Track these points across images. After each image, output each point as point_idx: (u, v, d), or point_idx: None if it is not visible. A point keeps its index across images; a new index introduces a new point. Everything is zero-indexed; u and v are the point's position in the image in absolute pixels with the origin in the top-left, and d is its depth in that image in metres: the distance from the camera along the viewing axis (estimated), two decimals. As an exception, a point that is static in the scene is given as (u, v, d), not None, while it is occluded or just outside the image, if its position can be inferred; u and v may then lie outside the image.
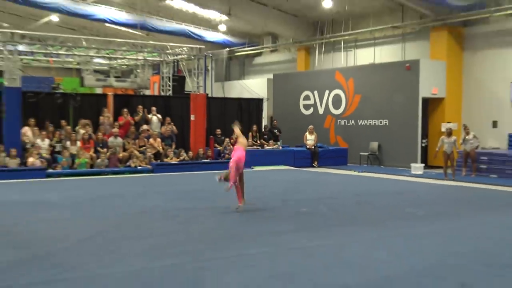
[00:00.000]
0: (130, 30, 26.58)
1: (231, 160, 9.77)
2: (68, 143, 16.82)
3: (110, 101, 19.29)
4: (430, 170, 17.61)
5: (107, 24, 25.97)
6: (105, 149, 17.05)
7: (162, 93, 21.84)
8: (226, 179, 9.61)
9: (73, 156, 16.49)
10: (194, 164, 18.10)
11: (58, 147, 16.73)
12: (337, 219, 9.41)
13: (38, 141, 16.49)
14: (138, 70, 23.79)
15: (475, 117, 18.68)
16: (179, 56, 21.03)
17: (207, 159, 18.76)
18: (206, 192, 12.72)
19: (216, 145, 19.50)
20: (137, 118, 18.75)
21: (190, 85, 21.09)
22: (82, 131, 17.11)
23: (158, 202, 11.16)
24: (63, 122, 17.45)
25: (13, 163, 15.56)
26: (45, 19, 28.09)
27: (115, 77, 24.01)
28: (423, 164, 17.88)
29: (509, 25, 17.83)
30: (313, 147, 19.80)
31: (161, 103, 20.05)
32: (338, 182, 15.36)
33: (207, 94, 20.63)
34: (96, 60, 23.69)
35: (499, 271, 6.12)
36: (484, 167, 16.49)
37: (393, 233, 8.16)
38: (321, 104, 22.11)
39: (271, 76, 25.27)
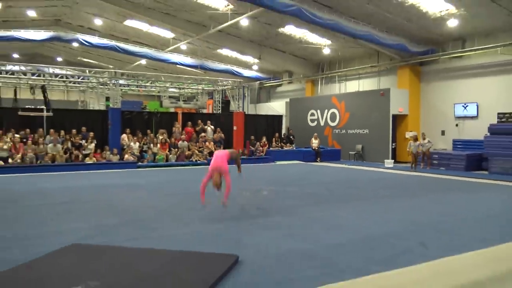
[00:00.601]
0: (193, 70, 26.81)
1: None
2: (151, 145, 17.01)
3: (180, 117, 19.47)
4: (398, 164, 17.35)
5: (178, 66, 26.25)
6: (175, 149, 17.19)
7: (215, 111, 21.95)
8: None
9: (154, 154, 16.68)
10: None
11: (144, 148, 16.93)
12: (332, 197, 9.31)
13: (131, 143, 16.70)
14: (199, 96, 23.95)
15: (429, 127, 18.35)
16: (226, 87, 21.10)
17: (244, 156, 18.76)
18: (242, 178, 12.72)
19: (250, 146, 19.50)
20: (197, 128, 18.89)
21: (233, 106, 21.12)
22: (160, 137, 17.29)
23: (211, 185, 11.19)
24: (148, 131, 17.67)
25: (115, 158, 15.80)
26: (137, 63, 28.55)
27: (183, 100, 24.16)
28: (393, 160, 17.63)
29: (452, 65, 17.57)
30: (316, 148, 19.64)
31: (213, 118, 20.13)
32: (333, 172, 15.21)
33: (245, 112, 20.62)
34: (171, 89, 23.88)
35: (444, 234, 5.98)
36: (436, 163, 16.17)
37: (371, 207, 8.03)
38: (322, 119, 21.94)
39: (288, 100, 25.19)
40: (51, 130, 15.59)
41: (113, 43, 23.06)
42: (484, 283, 3.73)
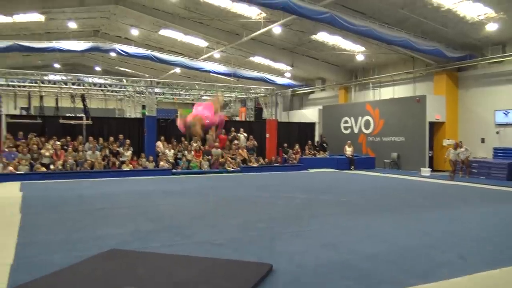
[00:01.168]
0: (226, 77, 27.07)
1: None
2: (185, 152, 17.27)
3: (213, 124, 19.69)
4: (435, 173, 16.83)
5: (211, 74, 26.58)
6: (209, 157, 17.37)
7: (247, 119, 22.06)
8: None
9: (188, 161, 16.91)
10: (268, 167, 18.13)
11: (179, 155, 17.20)
12: (366, 206, 9.13)
13: (166, 151, 17.01)
14: (232, 104, 24.15)
15: (468, 135, 17.75)
16: (259, 94, 21.21)
17: (277, 163, 18.76)
18: (276, 186, 12.73)
19: (283, 154, 19.47)
20: (230, 136, 19.04)
21: (265, 114, 21.19)
22: (194, 144, 17.53)
23: (245, 192, 11.26)
24: (183, 139, 17.94)
25: (150, 165, 16.12)
26: (171, 71, 29.10)
27: (216, 108, 24.42)
28: (430, 169, 17.14)
29: (492, 70, 16.95)
30: (350, 156, 19.38)
31: (246, 125, 20.25)
32: (368, 180, 14.96)
33: (277, 120, 20.63)
34: (204, 97, 24.20)
35: (485, 247, 5.76)
36: (475, 171, 15.64)
37: (407, 217, 7.84)
38: (356, 126, 21.65)
39: (321, 107, 25.01)
40: (90, 138, 16.10)
41: (148, 52, 23.64)
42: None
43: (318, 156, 20.16)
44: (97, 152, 15.65)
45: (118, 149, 16.25)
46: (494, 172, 15.05)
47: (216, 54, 23.92)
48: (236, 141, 18.88)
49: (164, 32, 22.48)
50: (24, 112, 20.59)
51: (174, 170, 16.18)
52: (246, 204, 9.35)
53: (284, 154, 19.47)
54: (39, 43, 20.62)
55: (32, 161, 14.62)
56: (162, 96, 23.02)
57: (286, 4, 13.49)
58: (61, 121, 16.61)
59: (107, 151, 16.03)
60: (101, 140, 16.41)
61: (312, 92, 27.79)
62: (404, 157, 18.90)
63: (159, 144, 17.18)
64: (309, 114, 25.55)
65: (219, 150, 17.77)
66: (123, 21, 22.07)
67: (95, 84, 19.50)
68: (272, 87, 21.43)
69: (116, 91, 21.25)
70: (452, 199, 10.45)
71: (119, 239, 5.93)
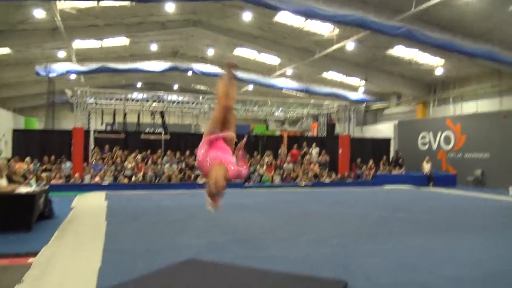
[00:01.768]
0: (298, 94, 27.17)
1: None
2: (257, 166, 17.49)
3: (285, 139, 19.79)
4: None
5: (283, 90, 26.80)
6: (281, 171, 17.44)
7: (319, 134, 21.89)
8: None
9: (260, 175, 17.09)
10: (341, 183, 17.78)
11: (251, 169, 17.44)
12: (446, 226, 8.55)
13: (239, 165, 17.33)
14: (304, 119, 24.14)
15: None
16: (331, 110, 20.99)
17: (350, 179, 18.35)
18: (350, 201, 12.43)
19: (357, 170, 19.03)
20: (302, 151, 19.00)
21: (338, 129, 20.90)
22: (266, 159, 17.71)
23: (317, 208, 11.10)
24: (255, 153, 18.21)
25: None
26: (245, 88, 29.78)
27: (289, 124, 24.55)
28: (519, 188, 15.78)
29: None
30: (428, 173, 18.42)
31: (318, 141, 20.10)
32: (447, 198, 14.07)
33: (350, 135, 20.24)
34: (276, 113, 24.46)
35: None
36: None
37: (492, 239, 7.24)
38: (434, 142, 20.61)
39: (396, 122, 24.18)
40: (168, 152, 16.90)
41: (223, 71, 24.38)
42: None
43: (393, 172, 19.42)
44: (174, 166, 16.37)
45: (193, 163, 16.88)
46: None
47: (289, 71, 24.13)
48: (308, 156, 18.79)
49: (238, 51, 23.15)
50: (109, 128, 22.13)
51: (246, 184, 16.41)
52: (318, 220, 9.21)
53: (357, 170, 19.00)
54: (124, 64, 22.17)
55: (116, 173, 15.64)
56: (236, 112, 23.54)
57: (361, 21, 13.33)
58: (142, 136, 17.65)
59: (183, 165, 16.71)
60: (178, 154, 17.16)
61: (387, 107, 26.98)
62: (490, 174, 17.62)
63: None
64: (384, 129, 24.82)
65: (290, 164, 17.78)
66: (200, 42, 23.11)
67: (173, 102, 20.47)
68: (344, 103, 21.13)
69: (192, 108, 22.14)
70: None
71: (196, 250, 6.11)
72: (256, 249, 6.29)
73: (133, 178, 15.67)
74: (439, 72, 20.04)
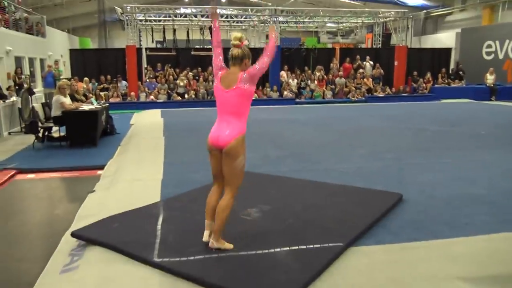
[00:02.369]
0: (352, 2, 25.58)
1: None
2: (309, 81, 17.22)
3: (337, 52, 19.10)
4: None
5: (335, -1, 25.34)
6: (333, 86, 17.09)
7: (374, 46, 20.88)
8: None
9: (312, 91, 16.88)
10: (396, 97, 17.21)
11: (302, 84, 17.24)
12: (508, 140, 8.16)
13: (290, 80, 17.14)
14: (357, 30, 22.95)
15: None
16: (387, 19, 19.69)
17: (405, 93, 17.71)
18: (405, 116, 12.10)
19: (412, 83, 18.25)
20: (355, 64, 18.34)
21: (394, 40, 19.77)
22: (318, 74, 17.32)
23: (370, 123, 10.93)
24: (306, 68, 17.84)
25: (275, 95, 16.49)
26: (294, -1, 28.40)
27: (341, 35, 23.52)
28: None
29: None
30: (492, 85, 17.32)
31: (373, 53, 19.19)
32: (511, 112, 13.29)
33: (407, 46, 19.12)
34: (328, 24, 23.37)
35: None
36: None
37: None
38: (501, 51, 19.06)
39: (459, 30, 22.40)
40: (219, 68, 16.88)
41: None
42: None
43: (453, 85, 18.44)
44: (225, 82, 16.44)
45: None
46: None
47: (342, -23, 22.57)
48: (361, 70, 18.14)
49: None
50: (159, 45, 22.23)
51: (297, 100, 16.33)
52: (372, 135, 9.12)
53: (413, 83, 18.22)
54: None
55: (169, 91, 16.01)
56: (286, 25, 22.76)
57: None
58: (193, 53, 17.65)
59: (234, 81, 16.73)
60: (228, 70, 17.13)
61: (450, 14, 24.92)
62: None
63: (283, 73, 17.34)
64: (445, 38, 23.20)
65: (343, 79, 17.33)
66: None
67: (221, 16, 20.00)
68: (402, 10, 19.68)
69: (241, 22, 21.63)
70: None
71: (251, 163, 6.22)
72: (309, 163, 6.41)
73: (185, 96, 16.00)
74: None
